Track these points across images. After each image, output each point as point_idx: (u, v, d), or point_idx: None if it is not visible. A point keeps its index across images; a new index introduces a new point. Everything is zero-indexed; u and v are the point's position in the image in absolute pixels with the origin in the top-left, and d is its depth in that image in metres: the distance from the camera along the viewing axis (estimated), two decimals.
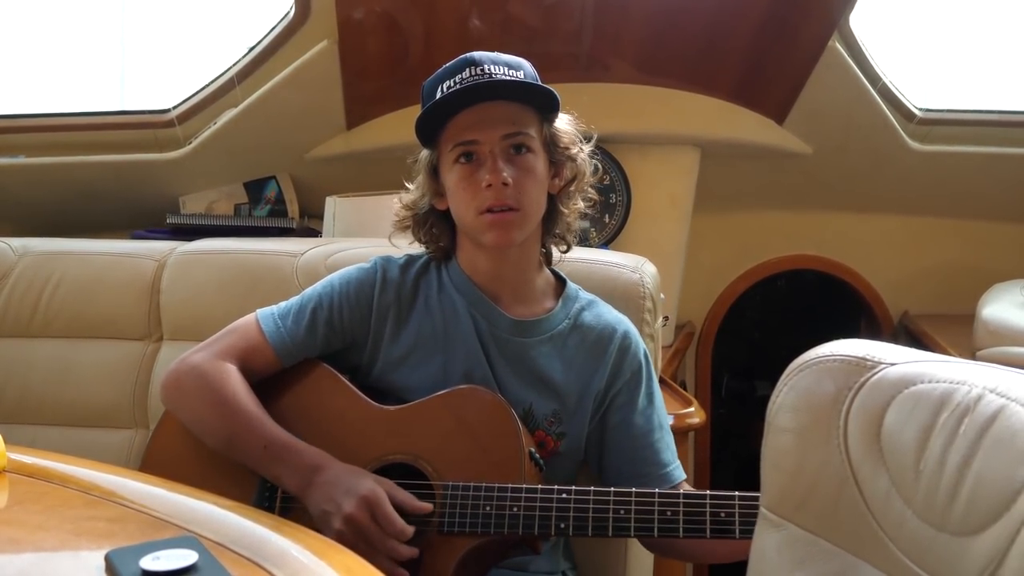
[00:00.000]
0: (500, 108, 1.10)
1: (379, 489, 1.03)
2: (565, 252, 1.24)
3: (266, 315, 1.19)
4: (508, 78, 1.09)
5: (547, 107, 1.13)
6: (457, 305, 1.17)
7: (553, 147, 1.15)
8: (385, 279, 1.19)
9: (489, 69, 1.09)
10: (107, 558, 0.59)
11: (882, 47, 1.99)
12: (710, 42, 1.93)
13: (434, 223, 1.19)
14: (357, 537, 1.00)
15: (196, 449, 1.14)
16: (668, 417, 1.22)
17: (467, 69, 1.09)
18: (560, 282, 1.23)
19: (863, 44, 1.93)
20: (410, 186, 1.21)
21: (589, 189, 1.21)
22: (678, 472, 1.17)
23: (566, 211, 1.19)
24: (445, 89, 1.09)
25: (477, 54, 1.11)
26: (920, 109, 2.08)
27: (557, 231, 1.21)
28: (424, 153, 1.17)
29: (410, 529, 1.02)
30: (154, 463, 1.17)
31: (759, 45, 1.92)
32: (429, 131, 1.13)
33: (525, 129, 1.11)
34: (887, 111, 2.03)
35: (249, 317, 1.20)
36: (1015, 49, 2.32)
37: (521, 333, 1.17)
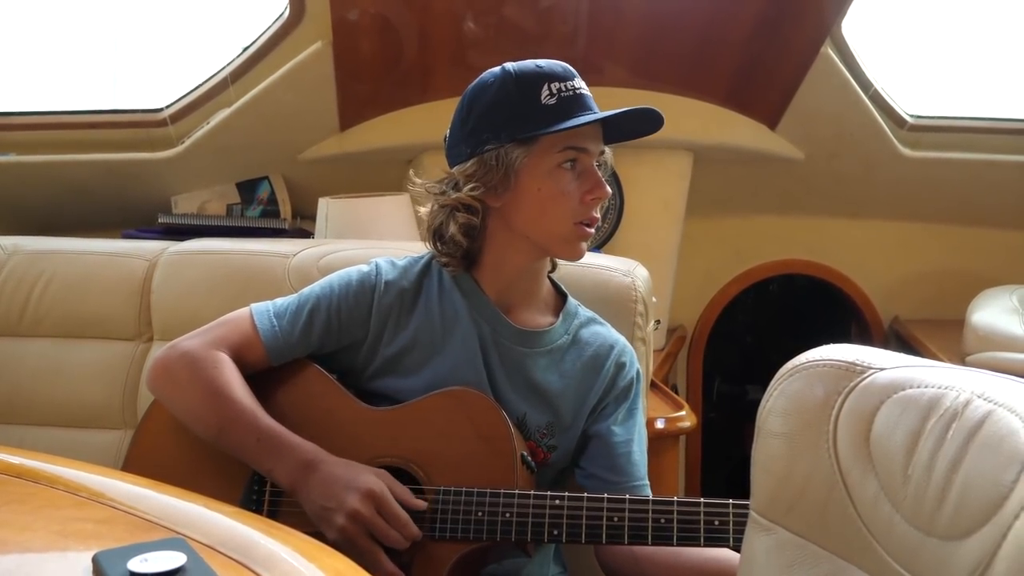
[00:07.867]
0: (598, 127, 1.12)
1: (381, 483, 1.02)
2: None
3: (261, 311, 1.16)
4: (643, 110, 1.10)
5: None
6: (458, 308, 1.16)
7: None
8: (386, 281, 1.17)
9: (583, 85, 1.11)
10: (95, 560, 0.58)
11: (874, 54, 2.01)
12: (703, 47, 1.94)
13: (471, 218, 1.12)
14: (361, 532, 1.00)
15: (182, 445, 1.13)
16: (645, 439, 1.20)
17: (574, 79, 1.10)
18: (561, 296, 1.23)
19: (855, 50, 1.94)
20: (421, 181, 1.18)
21: None
22: (647, 491, 1.16)
23: None
24: (554, 90, 1.07)
25: (566, 65, 1.12)
26: (911, 115, 2.10)
27: None
28: (508, 146, 1.07)
29: (413, 525, 1.02)
30: (138, 458, 1.16)
31: (752, 50, 1.93)
32: (520, 127, 1.07)
33: None
34: (879, 117, 2.04)
35: (243, 311, 1.17)
36: (1006, 57, 2.33)
37: (523, 343, 1.16)
